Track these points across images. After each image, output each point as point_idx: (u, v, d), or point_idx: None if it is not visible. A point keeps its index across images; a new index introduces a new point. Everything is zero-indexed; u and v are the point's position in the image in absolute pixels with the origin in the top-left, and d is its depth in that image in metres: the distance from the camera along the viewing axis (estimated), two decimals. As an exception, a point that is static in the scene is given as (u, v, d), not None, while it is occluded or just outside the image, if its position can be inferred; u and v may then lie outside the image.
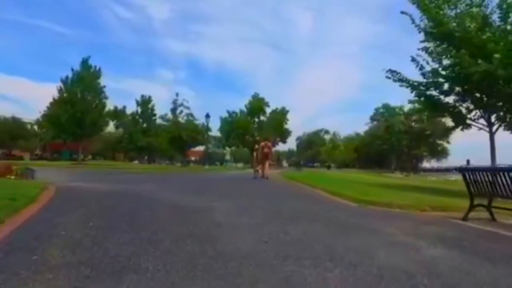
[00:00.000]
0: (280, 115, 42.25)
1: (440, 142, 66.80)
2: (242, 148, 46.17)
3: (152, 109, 55.61)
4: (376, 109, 68.22)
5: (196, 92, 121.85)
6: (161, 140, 33.16)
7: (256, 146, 16.21)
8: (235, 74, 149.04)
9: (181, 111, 31.32)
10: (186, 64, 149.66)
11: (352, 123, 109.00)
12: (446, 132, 67.11)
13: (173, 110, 30.91)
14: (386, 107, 67.54)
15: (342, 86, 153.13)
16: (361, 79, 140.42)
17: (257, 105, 42.64)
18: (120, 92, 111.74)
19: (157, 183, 10.08)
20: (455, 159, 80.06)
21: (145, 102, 57.99)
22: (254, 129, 41.81)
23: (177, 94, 31.14)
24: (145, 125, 55.10)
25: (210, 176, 17.12)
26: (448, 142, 65.98)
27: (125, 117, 55.56)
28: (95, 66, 24.72)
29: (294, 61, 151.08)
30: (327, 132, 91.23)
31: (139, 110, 57.86)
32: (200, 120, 31.78)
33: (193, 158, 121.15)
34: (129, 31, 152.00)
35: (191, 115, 31.56)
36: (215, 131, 45.28)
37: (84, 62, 24.25)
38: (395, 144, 64.56)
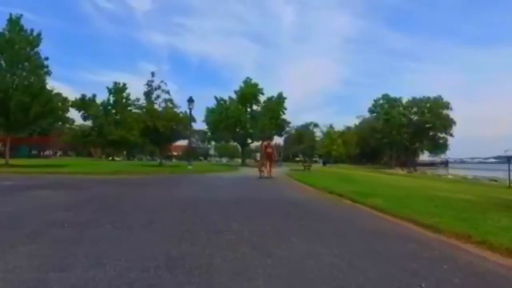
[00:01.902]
0: (277, 104, 35.93)
1: (442, 135, 62.45)
2: (232, 143, 39.81)
3: (127, 99, 48.19)
4: (376, 100, 62.97)
5: (179, 86, 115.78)
6: (136, 133, 26.60)
7: (265, 143, 15.04)
8: (218, 68, 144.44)
9: (158, 97, 24.70)
10: (169, 57, 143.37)
11: (335, 118, 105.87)
12: (450, 125, 63.14)
13: (147, 95, 24.23)
14: (386, 98, 62.37)
15: (324, 80, 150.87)
16: (343, 73, 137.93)
17: (249, 92, 36.18)
18: (100, 85, 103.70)
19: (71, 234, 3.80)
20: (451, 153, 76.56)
21: (118, 90, 50.44)
22: (247, 119, 35.38)
23: (152, 74, 24.41)
24: (118, 116, 47.82)
25: (203, 187, 10.82)
26: (451, 135, 61.75)
27: (95, 106, 47.95)
28: (32, 30, 17.62)
29: (277, 55, 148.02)
30: (316, 125, 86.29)
31: (112, 99, 50.43)
32: (183, 108, 25.13)
33: (175, 153, 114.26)
34: (108, 22, 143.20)
35: (171, 101, 25.01)
36: (198, 124, 38.78)
37: (13, 22, 16.94)
38: (397, 138, 59.65)
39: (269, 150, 14.48)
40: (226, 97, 36.80)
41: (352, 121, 75.15)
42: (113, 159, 51.69)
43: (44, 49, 18.48)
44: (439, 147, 64.13)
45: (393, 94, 63.35)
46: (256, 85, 37.02)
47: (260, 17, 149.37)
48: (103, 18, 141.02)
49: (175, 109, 25.82)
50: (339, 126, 67.90)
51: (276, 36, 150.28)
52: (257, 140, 38.90)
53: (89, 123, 50.19)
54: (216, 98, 36.69)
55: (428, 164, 77.88)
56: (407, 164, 65.04)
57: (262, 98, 38.00)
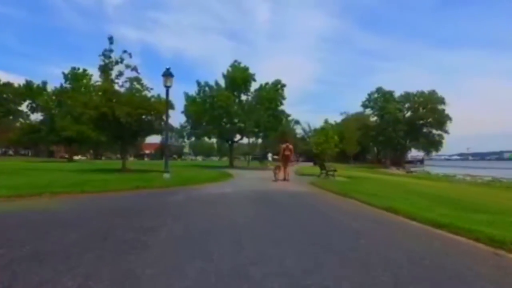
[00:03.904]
0: (273, 93, 29.26)
1: (437, 132, 58.50)
2: (217, 139, 32.69)
3: (88, 87, 39.74)
4: (370, 94, 57.97)
5: (152, 83, 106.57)
6: (85, 126, 19.23)
7: (284, 146, 14.00)
8: (193, 64, 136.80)
9: (120, 74, 17.34)
10: (141, 52, 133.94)
11: (309, 116, 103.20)
12: (445, 121, 59.28)
13: (104, 70, 16.74)
14: (381, 91, 57.48)
15: (299, 79, 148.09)
16: (317, 72, 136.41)
17: (240, 76, 29.27)
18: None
19: None
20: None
21: (76, 76, 41.74)
22: (236, 112, 28.44)
23: (111, 40, 16.90)
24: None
25: (218, 254, 4.20)
26: (446, 132, 57.86)
27: (44, 95, 39.08)
28: None
29: (252, 52, 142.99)
30: (297, 122, 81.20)
31: (68, 87, 41.65)
32: (156, 91, 18.10)
33: (147, 152, 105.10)
34: (77, 14, 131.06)
35: (138, 81, 17.71)
36: (177, 115, 31.45)
37: None
38: (392, 135, 54.96)
39: (287, 152, 14.08)
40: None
41: (331, 119, 70.10)
42: (71, 160, 43.01)
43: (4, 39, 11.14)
44: (434, 144, 60.28)
45: (365, 93, 58.76)
46: (246, 69, 30.11)
47: (236, 13, 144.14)
48: (71, 10, 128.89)
49: (145, 92, 18.58)
50: (315, 125, 62.75)
51: (251, 33, 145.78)
52: (251, 136, 32.20)
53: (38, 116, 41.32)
54: (198, 82, 29.45)
55: (407, 162, 76.03)
56: (400, 163, 60.85)
57: (253, 86, 31.31)
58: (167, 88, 13.83)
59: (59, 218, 5.18)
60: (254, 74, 30.32)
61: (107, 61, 17.07)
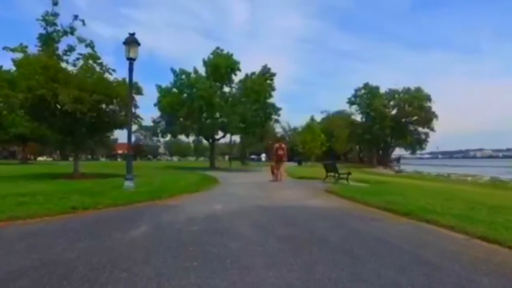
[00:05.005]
0: (261, 83, 25.53)
1: (423, 130, 56.96)
2: (195, 137, 28.44)
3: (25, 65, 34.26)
4: (357, 90, 55.52)
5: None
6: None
7: (277, 146, 13.93)
8: (168, 63, 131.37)
9: (71, 50, 13.10)
10: (114, 50, 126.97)
11: (286, 116, 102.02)
12: (432, 118, 57.79)
13: (44, 39, 12.46)
14: (368, 87, 55.15)
15: (276, 79, 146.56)
16: (294, 72, 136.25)
17: (223, 64, 25.33)
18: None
19: None
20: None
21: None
22: (219, 104, 24.45)
23: (54, 1, 12.65)
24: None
25: None
26: (432, 130, 56.45)
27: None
28: None
29: (229, 51, 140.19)
30: (277, 121, 78.44)
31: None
32: (119, 74, 14.02)
33: (120, 152, 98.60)
34: (44, 7, 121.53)
35: (93, 58, 13.59)
36: (147, 107, 27.10)
37: None
38: (379, 133, 52.77)
39: (280, 152, 13.84)
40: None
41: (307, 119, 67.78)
42: (25, 162, 37.45)
43: None
44: (419, 142, 58.81)
45: (341, 93, 57.11)
46: (231, 55, 26.24)
47: (212, 12, 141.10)
48: (39, 4, 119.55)
49: (106, 75, 14.33)
50: (294, 124, 60.21)
51: (228, 32, 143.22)
52: (236, 133, 28.39)
53: None
54: (174, 70, 25.18)
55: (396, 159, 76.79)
56: (387, 162, 59.06)
57: (238, 77, 27.49)
58: (131, 61, 9.84)
59: None
60: (239, 63, 26.54)
61: (50, 29, 12.77)
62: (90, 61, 13.84)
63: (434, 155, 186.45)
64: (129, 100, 10.25)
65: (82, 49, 13.68)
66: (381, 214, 6.43)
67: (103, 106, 14.30)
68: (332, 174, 14.06)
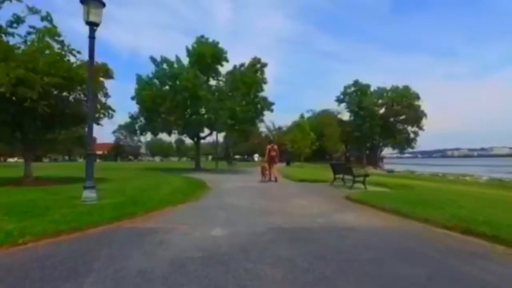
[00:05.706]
0: (251, 75, 23.08)
1: (413, 129, 56.10)
2: (181, 137, 25.53)
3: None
4: (346, 87, 53.94)
5: (108, 81, 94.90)
6: None
7: (269, 146, 13.97)
8: (150, 62, 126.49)
9: (18, 21, 10.32)
10: (97, 50, 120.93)
11: (270, 115, 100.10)
12: (421, 117, 57.04)
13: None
14: (357, 85, 53.67)
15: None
16: (276, 73, 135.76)
17: (209, 53, 22.71)
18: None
19: None
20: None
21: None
22: (206, 97, 21.79)
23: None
24: None
25: None
26: (421, 129, 55.67)
27: None
28: None
29: None
30: (261, 121, 76.19)
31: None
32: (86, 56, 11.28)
33: (99, 152, 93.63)
34: (20, 4, 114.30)
35: (50, 33, 10.89)
36: (124, 101, 24.22)
37: None
38: (368, 131, 51.43)
39: (272, 153, 13.78)
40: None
41: (294, 118, 65.86)
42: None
43: None
44: (408, 141, 57.99)
45: (325, 93, 55.94)
46: (216, 43, 23.63)
47: (195, 12, 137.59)
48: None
49: (67, 57, 11.51)
50: (278, 123, 58.15)
51: (211, 32, 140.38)
52: (225, 130, 25.81)
53: None
54: (154, 59, 22.30)
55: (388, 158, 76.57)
56: (377, 162, 57.94)
57: (225, 68, 24.94)
58: (91, 26, 7.21)
59: None
60: (226, 52, 23.99)
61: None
62: (47, 38, 11.03)
63: (414, 155, 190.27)
64: (90, 81, 7.55)
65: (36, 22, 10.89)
66: (473, 243, 4.18)
67: (65, 94, 11.55)
68: (341, 176, 11.99)
